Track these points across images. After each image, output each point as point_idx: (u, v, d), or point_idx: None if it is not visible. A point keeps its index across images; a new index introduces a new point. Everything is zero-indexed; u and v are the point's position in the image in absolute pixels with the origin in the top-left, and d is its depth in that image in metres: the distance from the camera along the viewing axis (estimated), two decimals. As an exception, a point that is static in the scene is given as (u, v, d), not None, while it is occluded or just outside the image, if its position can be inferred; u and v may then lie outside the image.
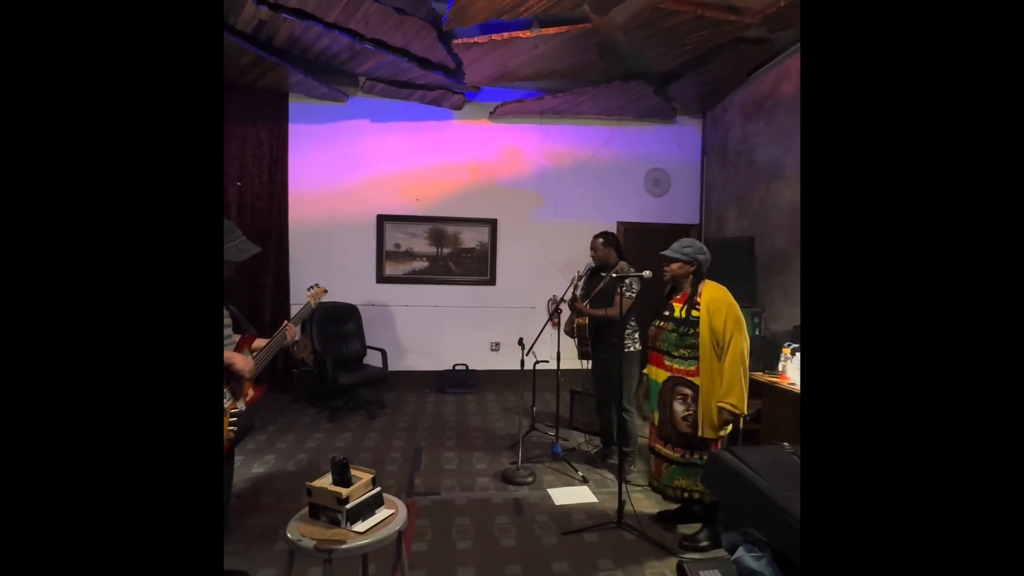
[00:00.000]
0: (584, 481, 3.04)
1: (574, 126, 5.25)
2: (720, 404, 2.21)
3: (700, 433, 2.28)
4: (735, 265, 4.17)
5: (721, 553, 0.72)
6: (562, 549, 2.34)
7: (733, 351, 2.22)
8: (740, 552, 0.66)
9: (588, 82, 4.60)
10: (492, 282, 5.22)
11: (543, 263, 5.23)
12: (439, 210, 5.09)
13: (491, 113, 5.03)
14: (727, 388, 2.21)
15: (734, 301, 2.31)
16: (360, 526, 1.54)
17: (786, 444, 0.78)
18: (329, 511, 1.56)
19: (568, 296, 3.30)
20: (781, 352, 2.99)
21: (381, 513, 1.63)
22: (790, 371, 2.83)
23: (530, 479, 3.03)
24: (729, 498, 0.72)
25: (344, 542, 1.48)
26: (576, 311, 3.17)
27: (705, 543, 2.30)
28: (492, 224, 5.19)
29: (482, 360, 5.18)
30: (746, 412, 2.22)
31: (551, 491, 2.91)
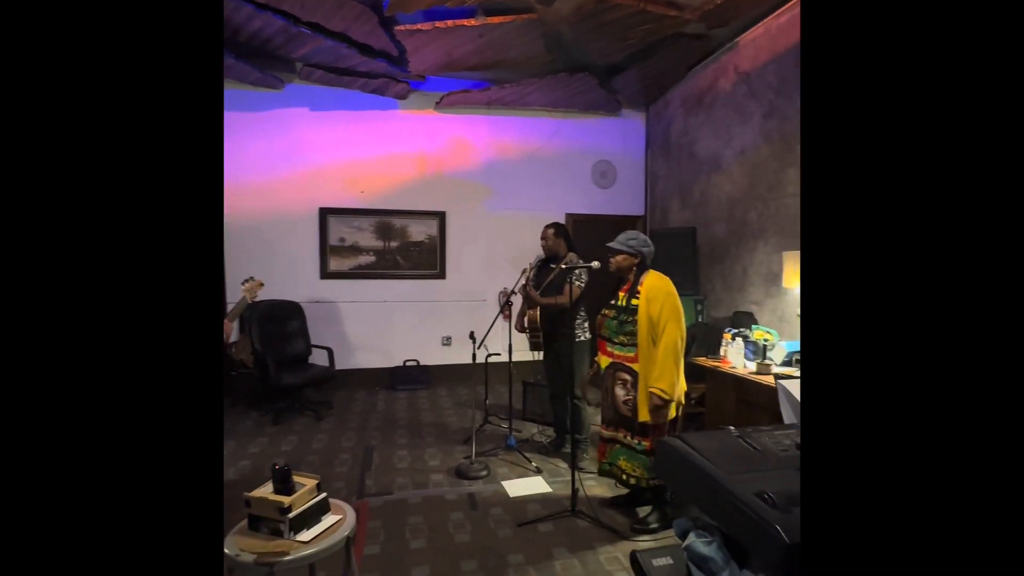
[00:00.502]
0: (538, 471, 3.06)
1: (521, 117, 5.23)
2: (650, 389, 2.30)
3: (639, 418, 2.35)
4: (678, 255, 4.31)
5: (672, 537, 0.72)
6: (517, 541, 2.34)
7: (666, 339, 2.30)
8: (691, 538, 0.67)
9: (534, 73, 4.59)
10: (442, 276, 5.14)
11: (493, 255, 5.21)
12: (385, 203, 4.95)
13: (437, 103, 4.92)
14: (658, 374, 2.29)
15: (673, 291, 2.38)
16: (305, 535, 1.47)
17: (732, 428, 0.79)
18: (270, 522, 1.47)
19: (519, 287, 3.29)
20: (722, 337, 3.12)
21: (327, 520, 1.56)
22: (731, 355, 2.95)
23: (484, 473, 3.01)
24: (679, 484, 0.72)
25: (287, 553, 1.41)
26: (529, 299, 3.19)
27: (655, 525, 2.37)
28: (440, 217, 5.11)
29: (433, 355, 5.10)
30: (675, 398, 2.29)
31: (505, 483, 2.91)
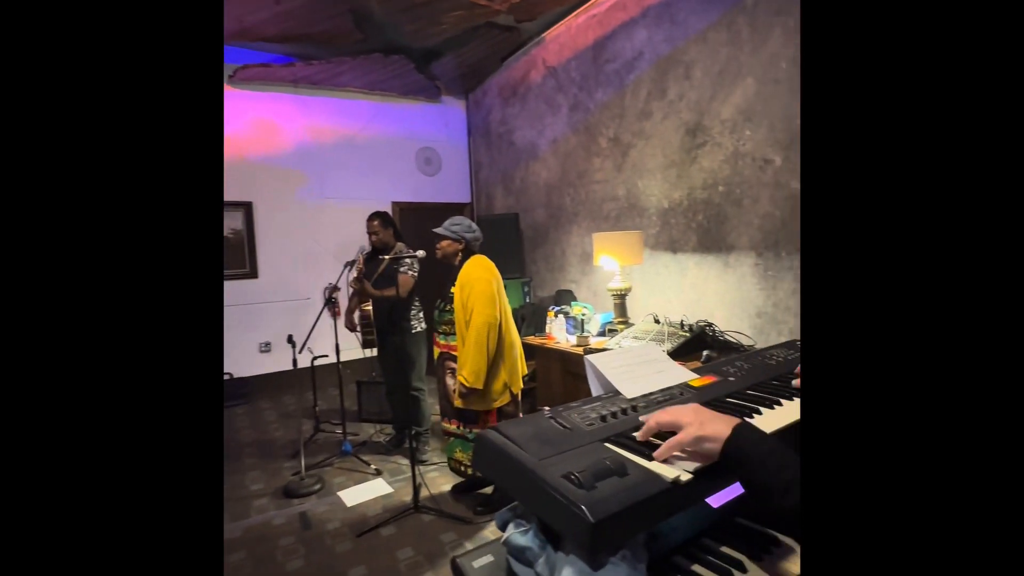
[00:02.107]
0: (378, 474, 2.92)
1: (335, 99, 4.85)
2: (458, 376, 2.32)
3: (454, 403, 2.39)
4: (505, 240, 4.48)
5: (498, 534, 0.70)
6: (358, 553, 2.20)
7: (473, 325, 2.28)
8: (510, 529, 0.65)
9: (345, 52, 4.28)
10: (254, 275, 4.56)
11: (313, 249, 4.78)
12: (171, 192, 4.17)
13: (231, 76, 4.28)
14: (463, 361, 2.30)
15: (487, 276, 2.34)
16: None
17: (546, 409, 0.80)
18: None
19: (350, 278, 3.07)
20: (547, 316, 3.33)
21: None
22: (555, 331, 3.17)
23: (317, 487, 2.77)
24: (497, 476, 0.70)
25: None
26: (362, 293, 2.99)
27: (499, 504, 2.45)
28: (246, 208, 4.50)
29: (251, 365, 4.52)
30: (480, 387, 2.28)
31: (342, 493, 2.71)
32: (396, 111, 5.19)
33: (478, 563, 0.65)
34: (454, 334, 2.40)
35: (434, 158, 5.44)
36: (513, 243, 4.56)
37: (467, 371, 2.28)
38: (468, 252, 2.47)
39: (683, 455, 0.66)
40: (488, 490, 2.57)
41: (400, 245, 3.11)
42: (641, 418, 0.75)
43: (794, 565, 0.72)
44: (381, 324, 3.07)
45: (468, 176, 5.67)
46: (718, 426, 0.64)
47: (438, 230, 2.46)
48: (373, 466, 2.99)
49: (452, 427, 2.51)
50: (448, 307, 2.41)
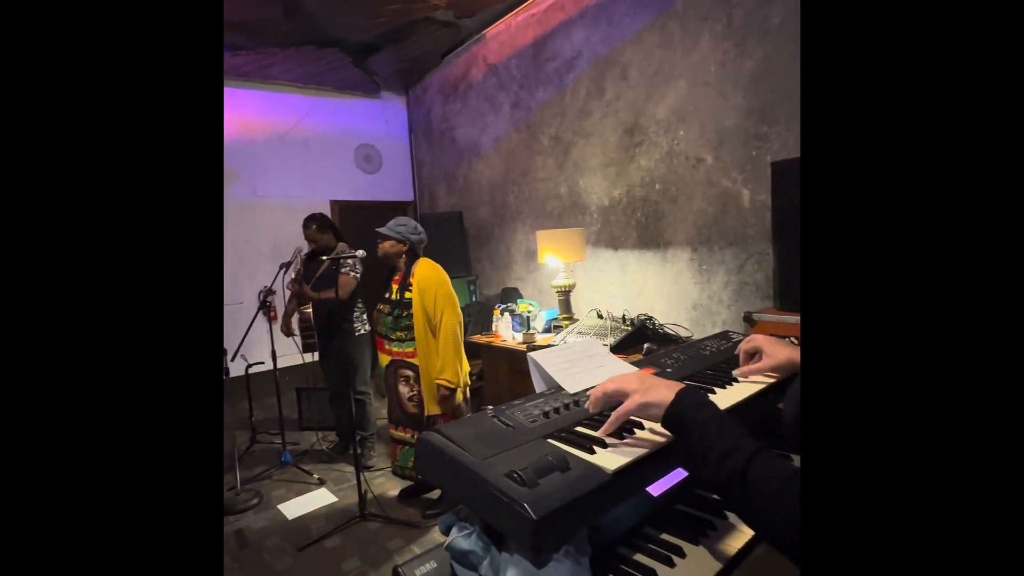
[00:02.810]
0: (321, 483, 2.81)
1: (267, 92, 4.62)
2: (437, 381, 2.29)
3: (427, 412, 2.33)
4: (449, 238, 4.43)
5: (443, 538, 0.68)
6: (300, 568, 2.11)
7: (444, 328, 2.29)
8: (452, 533, 0.63)
9: (276, 43, 4.07)
10: (179, 279, 4.25)
11: (246, 251, 4.54)
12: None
13: (147, 66, 3.97)
14: (441, 365, 2.29)
15: (446, 278, 2.38)
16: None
17: (489, 408, 0.79)
18: None
19: (287, 281, 2.93)
20: (493, 314, 3.32)
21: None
22: (501, 329, 3.17)
23: (255, 501, 2.63)
24: (440, 479, 0.68)
25: None
26: (301, 296, 2.86)
27: (446, 506, 2.41)
28: (169, 207, 4.19)
29: (178, 375, 4.22)
30: (462, 384, 2.33)
31: (282, 507, 2.59)
32: (333, 106, 5.00)
33: (421, 570, 0.63)
34: (410, 340, 2.34)
35: (374, 155, 5.29)
36: (458, 242, 4.52)
37: (449, 373, 2.27)
38: (412, 254, 2.42)
39: (626, 444, 0.67)
40: (435, 493, 2.53)
41: (342, 245, 3.01)
42: (588, 392, 0.75)
43: (728, 545, 0.75)
44: (322, 327, 2.96)
45: (410, 174, 5.56)
46: (662, 392, 0.64)
47: (382, 230, 2.39)
48: (316, 475, 2.87)
49: (407, 435, 2.43)
50: (406, 314, 2.32)
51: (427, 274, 2.36)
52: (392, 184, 5.43)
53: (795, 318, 1.99)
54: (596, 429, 0.71)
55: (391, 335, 2.39)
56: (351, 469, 2.92)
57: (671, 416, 0.63)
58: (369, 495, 2.43)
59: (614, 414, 0.67)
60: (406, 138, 5.49)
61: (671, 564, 0.72)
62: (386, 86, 5.20)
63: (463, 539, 0.62)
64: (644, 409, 0.65)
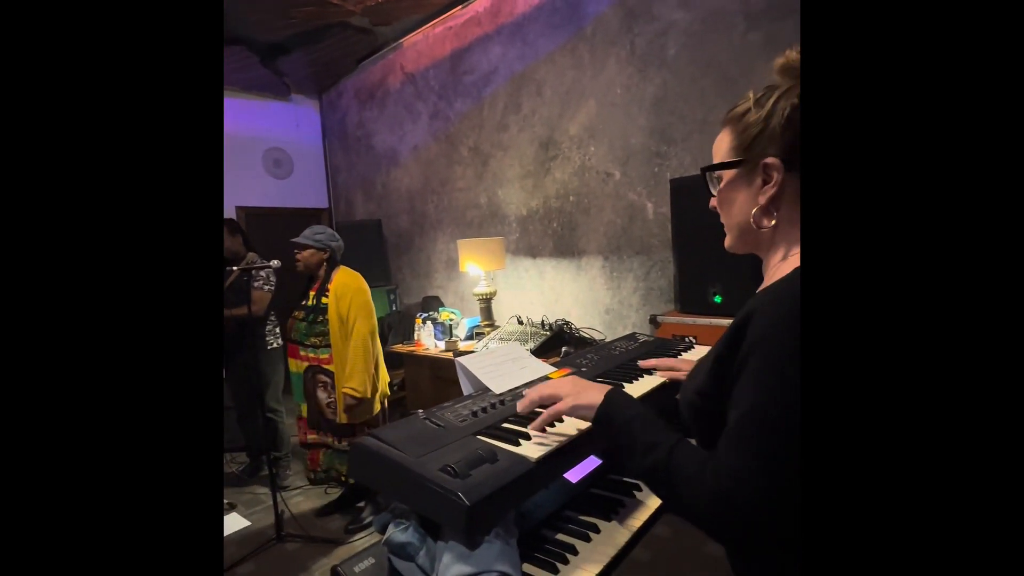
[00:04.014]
0: (231, 508, 2.64)
1: (161, 89, 4.26)
2: (343, 390, 2.25)
3: (339, 419, 2.30)
4: (368, 247, 4.35)
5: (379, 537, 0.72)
6: (211, 597, 1.97)
7: (356, 336, 2.27)
8: (389, 530, 0.67)
9: (173, 37, 3.78)
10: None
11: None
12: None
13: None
14: (350, 373, 2.25)
15: (365, 287, 2.36)
16: None
17: (420, 411, 0.83)
18: None
19: None
20: (415, 323, 3.32)
21: None
22: (423, 338, 3.17)
23: (155, 533, 2.41)
24: (376, 481, 0.72)
25: None
26: None
27: (371, 518, 2.37)
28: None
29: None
30: (368, 394, 2.27)
31: (187, 536, 2.40)
32: (239, 107, 4.73)
33: (360, 567, 0.66)
34: (325, 347, 2.29)
35: (284, 160, 5.06)
36: (377, 250, 4.44)
37: (355, 382, 2.22)
38: (332, 262, 2.38)
39: (547, 436, 0.75)
40: (361, 504, 2.48)
41: (252, 255, 2.86)
42: (524, 391, 0.82)
43: (636, 519, 0.86)
44: (229, 342, 2.79)
45: (325, 180, 5.38)
46: (592, 394, 0.70)
47: (299, 240, 2.33)
48: (226, 500, 2.69)
49: (328, 440, 2.37)
50: (321, 319, 2.28)
51: (345, 280, 2.34)
52: (304, 190, 5.22)
53: (694, 320, 2.21)
54: (522, 425, 0.78)
55: (305, 341, 2.34)
56: (265, 490, 2.77)
57: (601, 416, 0.68)
58: (286, 514, 2.33)
59: (546, 412, 0.73)
60: (319, 143, 5.31)
61: (588, 540, 0.81)
62: (297, 89, 5.00)
63: (400, 533, 0.66)
64: (575, 410, 0.71)
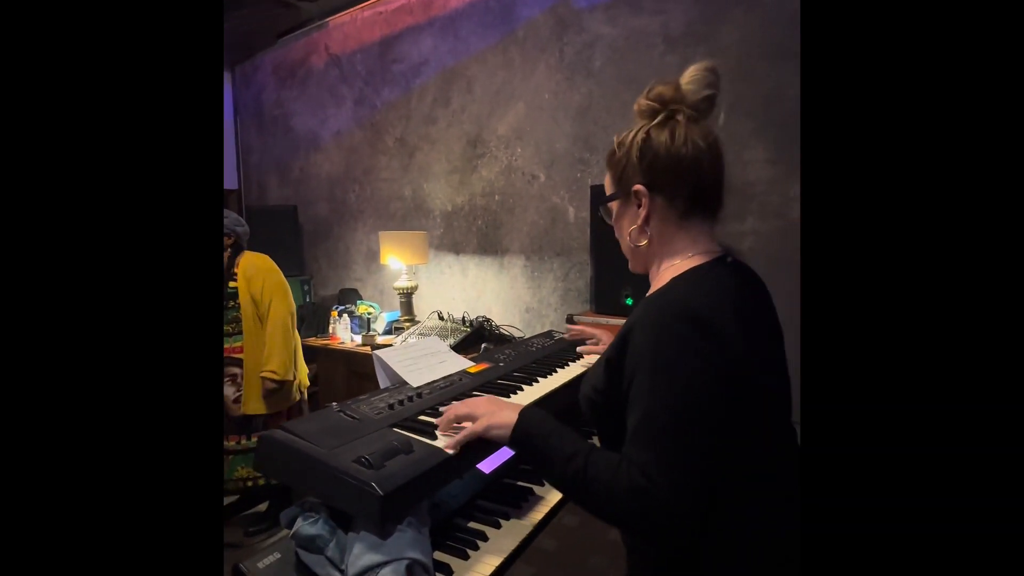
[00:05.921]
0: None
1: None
2: (262, 374, 2.15)
3: (248, 410, 2.17)
4: (281, 234, 4.11)
5: (284, 532, 0.70)
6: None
7: (274, 317, 2.18)
8: (298, 523, 0.66)
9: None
10: None
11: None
12: None
13: None
14: (268, 355, 2.15)
15: (276, 268, 2.29)
16: None
17: (334, 404, 0.82)
18: None
19: None
20: (330, 316, 3.20)
21: None
22: (339, 331, 3.07)
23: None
24: (286, 475, 0.70)
25: None
26: None
27: (271, 520, 2.26)
28: None
29: None
30: (291, 379, 2.20)
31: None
32: (135, 71, 4.26)
33: (264, 563, 0.64)
34: (237, 334, 2.14)
35: (189, 134, 4.64)
36: (291, 238, 4.21)
37: (275, 364, 2.11)
38: (237, 248, 2.24)
39: (461, 428, 0.77)
40: (262, 507, 2.36)
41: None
42: (441, 408, 0.83)
43: (545, 504, 0.91)
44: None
45: (235, 160, 5.00)
46: (506, 414, 0.72)
47: None
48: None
49: (230, 443, 2.20)
50: (231, 304, 2.13)
51: (253, 262, 2.23)
52: (211, 168, 4.81)
53: (607, 319, 2.34)
54: (438, 418, 0.80)
55: None
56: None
57: (518, 435, 0.70)
58: (178, 518, 2.16)
59: (461, 434, 0.74)
60: (231, 119, 4.93)
61: (498, 526, 0.84)
62: (207, 58, 4.61)
63: (309, 526, 0.65)
64: (490, 430, 0.73)
